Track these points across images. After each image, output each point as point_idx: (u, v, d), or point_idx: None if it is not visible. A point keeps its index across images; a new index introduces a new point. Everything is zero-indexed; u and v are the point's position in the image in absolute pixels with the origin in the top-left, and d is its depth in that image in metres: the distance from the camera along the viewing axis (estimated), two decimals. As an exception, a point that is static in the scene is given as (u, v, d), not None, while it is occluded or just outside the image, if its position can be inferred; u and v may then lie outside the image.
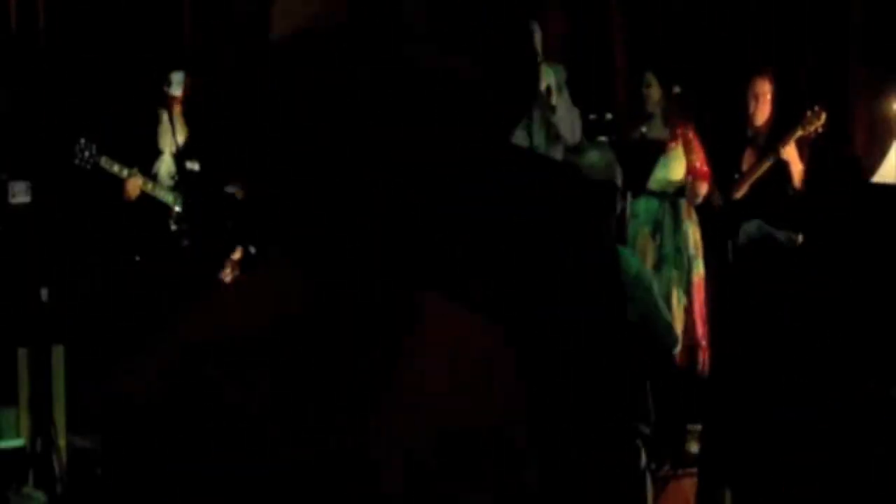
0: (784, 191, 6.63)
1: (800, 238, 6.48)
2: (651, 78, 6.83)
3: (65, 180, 6.46)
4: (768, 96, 6.82)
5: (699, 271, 6.56)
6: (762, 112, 6.82)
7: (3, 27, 6.67)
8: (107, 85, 6.73)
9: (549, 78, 6.52)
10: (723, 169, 6.74)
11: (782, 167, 6.65)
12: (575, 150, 5.43)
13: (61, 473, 5.22)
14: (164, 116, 6.27)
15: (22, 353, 5.50)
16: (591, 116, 6.58)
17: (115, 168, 6.18)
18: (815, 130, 6.67)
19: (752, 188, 6.66)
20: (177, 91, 6.33)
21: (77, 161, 6.12)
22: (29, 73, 6.66)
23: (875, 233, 6.11)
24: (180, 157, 6.26)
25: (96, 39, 6.81)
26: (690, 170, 6.56)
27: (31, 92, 6.64)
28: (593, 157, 4.70)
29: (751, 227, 6.58)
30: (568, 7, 7.05)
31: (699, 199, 6.60)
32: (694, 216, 6.65)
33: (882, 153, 7.17)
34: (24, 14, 6.71)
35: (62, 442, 5.47)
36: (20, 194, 5.77)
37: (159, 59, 6.65)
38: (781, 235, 6.51)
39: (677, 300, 6.42)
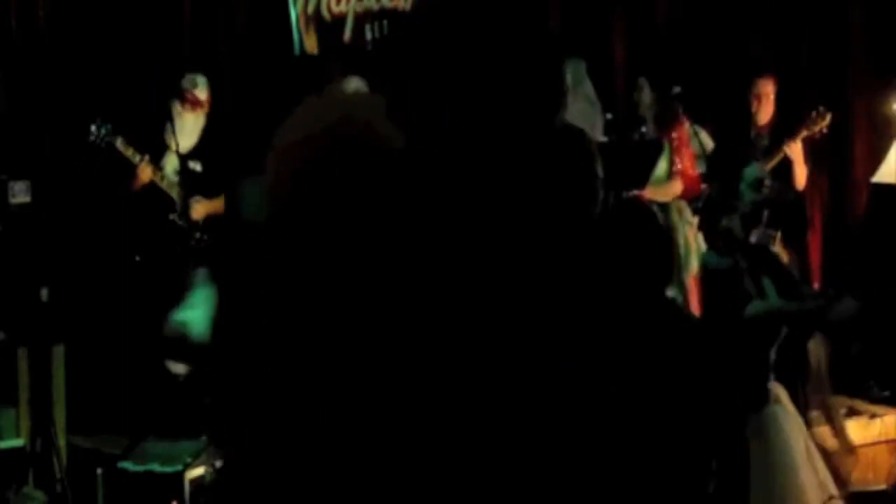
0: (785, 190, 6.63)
1: (777, 235, 6.47)
2: (643, 82, 6.86)
3: (65, 180, 6.45)
4: (771, 97, 6.83)
5: (692, 271, 6.57)
6: (765, 113, 6.83)
7: (4, 26, 6.66)
8: (104, 86, 6.73)
9: None
10: (726, 170, 6.74)
11: (786, 167, 6.66)
12: None
13: (61, 473, 5.21)
14: (179, 115, 6.29)
15: (22, 353, 5.50)
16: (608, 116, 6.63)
17: (130, 152, 6.18)
18: (820, 131, 6.69)
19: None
20: (203, 94, 6.34)
21: (92, 138, 6.10)
22: (29, 71, 6.65)
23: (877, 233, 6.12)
24: (186, 156, 6.27)
25: (96, 39, 6.80)
26: (673, 169, 6.62)
27: (32, 91, 6.64)
28: None
29: None
30: (568, 7, 7.04)
31: (668, 199, 6.63)
32: (686, 215, 6.67)
33: (882, 153, 7.18)
34: (24, 13, 6.70)
35: (62, 442, 5.46)
36: (20, 194, 5.76)
37: (159, 59, 6.65)
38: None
39: (671, 299, 6.43)
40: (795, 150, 6.65)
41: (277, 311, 1.82)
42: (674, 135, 6.64)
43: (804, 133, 6.67)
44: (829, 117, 6.70)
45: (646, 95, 6.85)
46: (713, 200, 5.51)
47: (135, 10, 6.86)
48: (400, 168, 1.72)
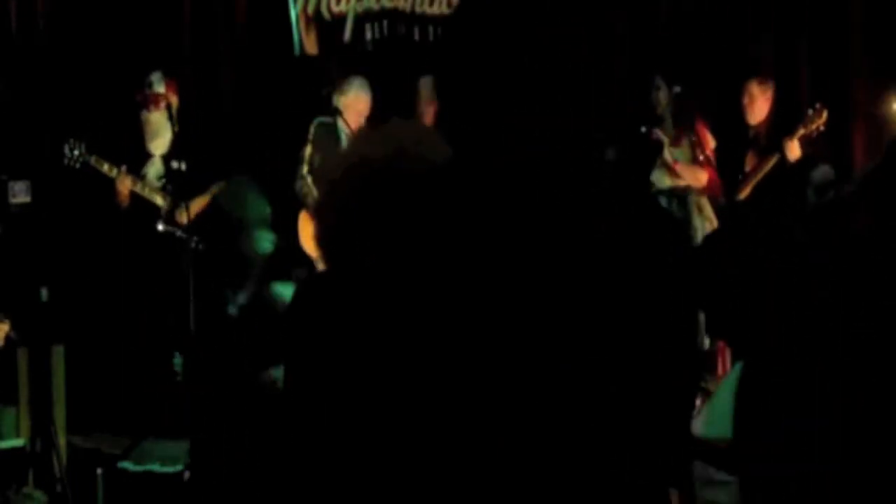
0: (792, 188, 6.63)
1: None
2: (660, 81, 6.89)
3: (65, 180, 6.45)
4: (766, 96, 6.83)
5: None
6: (760, 113, 6.84)
7: (4, 26, 6.66)
8: (104, 87, 6.72)
9: None
10: (726, 170, 6.77)
11: (787, 166, 6.66)
12: None
13: (61, 473, 5.21)
14: (149, 118, 6.29)
15: (22, 353, 5.50)
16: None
17: (105, 167, 6.18)
18: (818, 128, 6.68)
19: (756, 188, 6.67)
20: (160, 88, 6.33)
21: (66, 161, 6.12)
22: (28, 73, 6.65)
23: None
24: (167, 157, 6.26)
25: (96, 40, 6.81)
26: (704, 165, 6.68)
27: (31, 92, 6.64)
28: None
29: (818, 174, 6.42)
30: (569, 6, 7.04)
31: (696, 185, 6.71)
32: (706, 211, 6.71)
33: (882, 153, 7.16)
34: (24, 14, 6.71)
35: (62, 442, 5.46)
36: (20, 194, 5.76)
37: (156, 61, 6.65)
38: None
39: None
40: (793, 148, 6.62)
41: (318, 334, 1.84)
42: (694, 129, 6.72)
43: (801, 132, 6.66)
44: (825, 115, 6.68)
45: (663, 94, 6.89)
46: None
47: (135, 11, 6.86)
48: (446, 197, 1.75)
